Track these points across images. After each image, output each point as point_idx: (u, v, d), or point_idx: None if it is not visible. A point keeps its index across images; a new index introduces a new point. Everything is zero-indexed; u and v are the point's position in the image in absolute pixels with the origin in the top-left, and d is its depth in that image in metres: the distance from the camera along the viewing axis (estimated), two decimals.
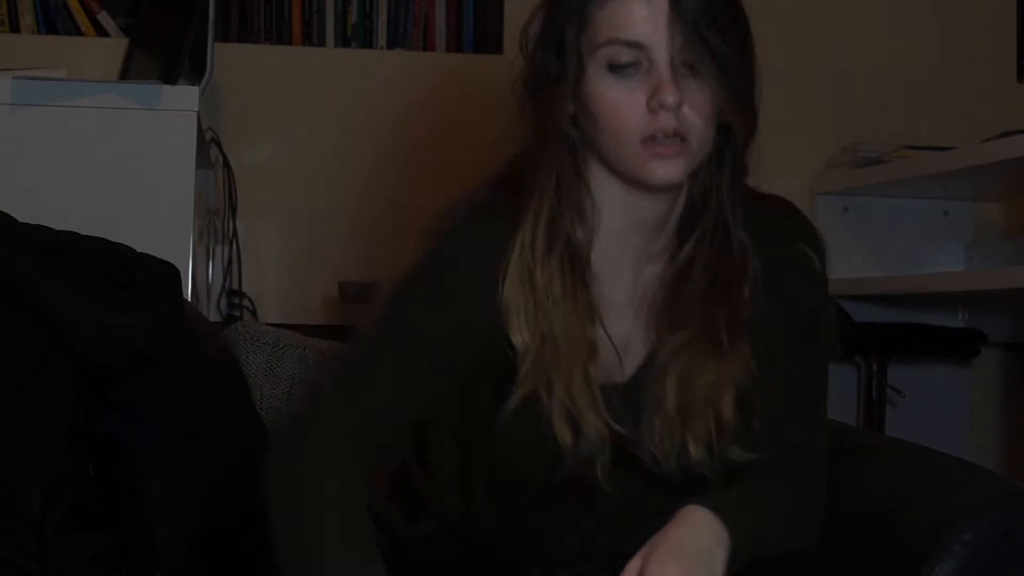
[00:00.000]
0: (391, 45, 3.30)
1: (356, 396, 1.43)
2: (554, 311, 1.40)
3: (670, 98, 1.35)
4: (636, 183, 1.42)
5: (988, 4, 3.52)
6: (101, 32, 3.11)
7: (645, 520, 1.43)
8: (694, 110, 1.37)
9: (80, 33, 3.11)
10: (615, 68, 1.37)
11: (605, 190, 1.45)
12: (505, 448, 1.45)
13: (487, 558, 1.49)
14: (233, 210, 3.04)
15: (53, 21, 3.11)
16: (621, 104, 1.37)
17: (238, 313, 3.03)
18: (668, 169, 1.38)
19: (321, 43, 3.29)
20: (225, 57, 2.98)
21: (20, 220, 1.81)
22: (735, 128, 1.41)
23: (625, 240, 1.47)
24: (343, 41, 3.30)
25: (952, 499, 1.55)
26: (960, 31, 3.48)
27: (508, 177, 1.47)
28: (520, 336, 1.41)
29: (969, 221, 3.47)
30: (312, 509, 1.37)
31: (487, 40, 3.29)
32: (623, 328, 1.46)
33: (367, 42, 3.30)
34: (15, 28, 3.09)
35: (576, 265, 1.42)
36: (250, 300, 3.08)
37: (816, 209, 3.37)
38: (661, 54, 1.36)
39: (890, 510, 1.59)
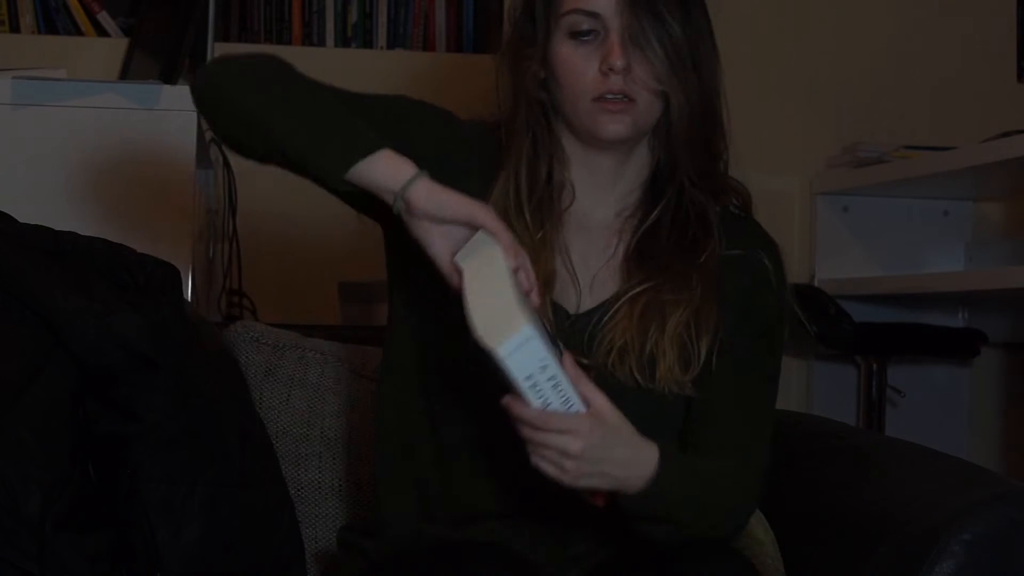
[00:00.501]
0: (391, 45, 3.30)
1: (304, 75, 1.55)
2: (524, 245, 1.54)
3: (618, 62, 1.53)
4: (591, 139, 1.59)
5: (988, 4, 3.52)
6: (101, 32, 3.11)
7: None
8: (638, 80, 1.54)
9: (80, 33, 3.11)
10: (575, 35, 1.55)
11: (568, 148, 1.62)
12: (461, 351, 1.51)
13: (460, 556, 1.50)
14: (233, 210, 3.04)
15: (53, 21, 3.11)
16: (578, 66, 1.55)
17: (238, 313, 3.03)
18: (616, 125, 1.56)
19: (321, 43, 3.29)
20: None
21: (20, 220, 1.81)
22: (672, 102, 1.56)
23: (586, 193, 1.62)
24: (343, 41, 3.30)
25: (951, 499, 1.55)
26: (960, 31, 3.48)
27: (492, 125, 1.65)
28: None
29: (969, 221, 3.47)
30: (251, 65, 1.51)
31: (487, 40, 3.29)
32: (587, 269, 1.61)
33: (367, 42, 3.30)
34: (15, 28, 3.09)
35: (546, 209, 1.58)
36: (250, 300, 3.08)
37: (816, 209, 3.38)
38: (614, 24, 1.54)
39: (890, 510, 1.59)
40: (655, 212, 1.61)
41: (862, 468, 1.72)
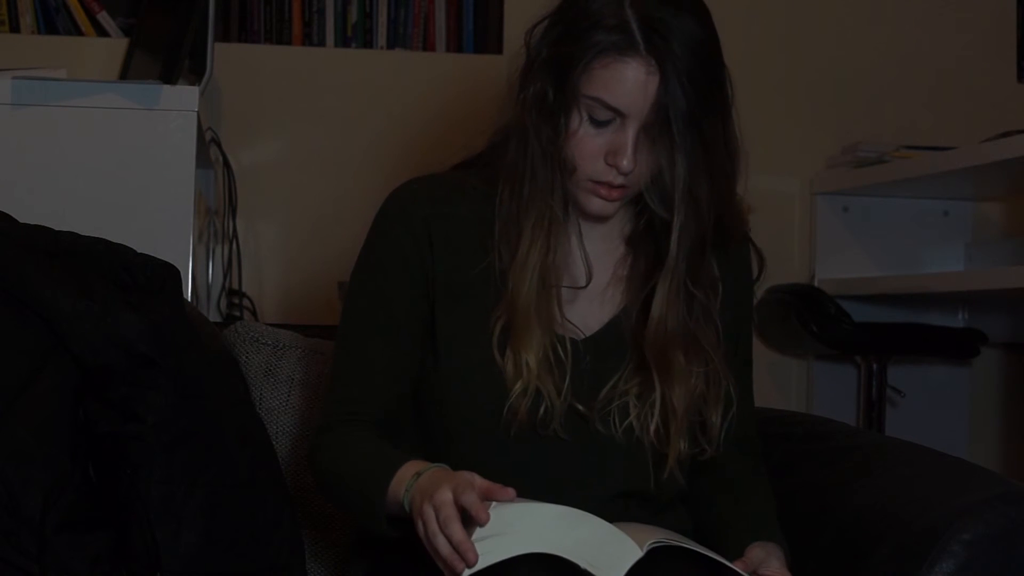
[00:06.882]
0: (391, 45, 3.30)
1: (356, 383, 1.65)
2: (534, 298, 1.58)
3: (625, 163, 1.54)
4: (573, 204, 1.61)
5: (988, 4, 3.51)
6: (101, 32, 3.10)
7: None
8: (640, 175, 1.56)
9: (80, 33, 3.10)
10: (592, 119, 1.55)
11: None
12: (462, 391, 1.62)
13: None
14: (233, 210, 3.04)
15: (53, 21, 3.11)
16: (586, 147, 1.56)
17: (238, 313, 3.03)
18: (603, 207, 1.59)
19: (321, 43, 3.29)
20: (225, 57, 2.98)
21: (20, 220, 1.81)
22: (669, 219, 1.56)
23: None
24: (343, 41, 3.30)
25: (952, 499, 1.55)
26: (960, 31, 3.48)
27: (472, 165, 1.68)
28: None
29: (969, 221, 3.47)
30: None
31: (487, 40, 3.29)
32: (581, 301, 1.64)
33: (367, 42, 3.30)
34: (15, 28, 3.09)
35: (553, 255, 1.60)
36: (250, 300, 3.08)
37: (816, 209, 3.38)
38: (633, 123, 1.53)
39: (890, 510, 1.59)
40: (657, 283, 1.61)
41: (862, 468, 1.72)
